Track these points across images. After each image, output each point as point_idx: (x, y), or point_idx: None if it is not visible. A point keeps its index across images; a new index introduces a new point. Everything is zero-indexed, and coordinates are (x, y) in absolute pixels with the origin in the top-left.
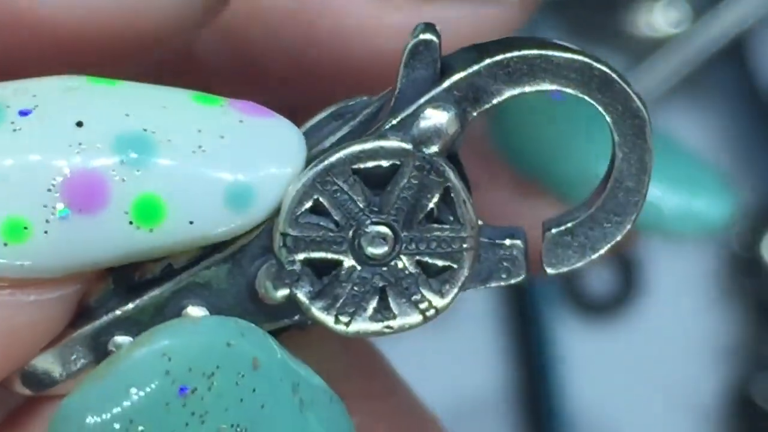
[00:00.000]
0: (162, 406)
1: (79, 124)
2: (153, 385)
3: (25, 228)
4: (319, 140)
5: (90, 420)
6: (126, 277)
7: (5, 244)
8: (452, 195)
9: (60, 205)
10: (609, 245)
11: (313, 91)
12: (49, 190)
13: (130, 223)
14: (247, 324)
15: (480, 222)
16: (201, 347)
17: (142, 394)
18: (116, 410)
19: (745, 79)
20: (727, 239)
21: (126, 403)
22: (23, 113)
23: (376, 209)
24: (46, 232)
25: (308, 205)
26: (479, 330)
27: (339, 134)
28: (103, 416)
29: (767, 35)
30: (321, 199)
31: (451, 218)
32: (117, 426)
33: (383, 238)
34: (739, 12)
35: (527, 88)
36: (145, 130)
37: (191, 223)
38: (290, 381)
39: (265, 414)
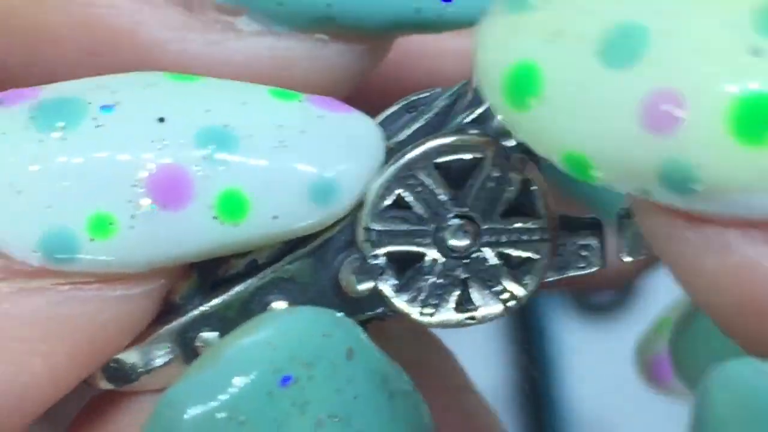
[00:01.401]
0: (265, 395)
1: (161, 120)
2: (257, 374)
3: (111, 223)
4: (394, 132)
5: (194, 409)
6: (211, 272)
7: (91, 240)
8: (532, 188)
9: (145, 201)
10: None
11: None
12: (134, 185)
13: (215, 218)
14: (341, 315)
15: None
16: (301, 337)
17: (246, 383)
18: (220, 399)
19: None
20: None
21: (230, 393)
22: (105, 109)
23: (457, 202)
24: (131, 227)
25: (391, 199)
26: (480, 330)
27: (414, 126)
28: (208, 405)
29: None
30: (403, 194)
31: (531, 210)
32: (220, 415)
33: (465, 230)
34: None
35: None
36: (226, 125)
37: (275, 218)
38: (381, 372)
39: (359, 404)
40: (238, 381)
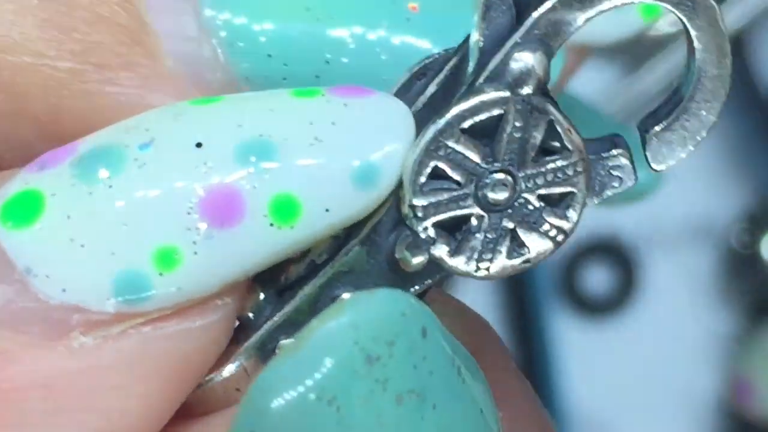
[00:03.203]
0: (351, 373)
1: (199, 145)
2: (343, 354)
3: (176, 254)
4: (410, 101)
5: (284, 393)
6: (273, 282)
7: (161, 275)
8: (557, 126)
9: (203, 225)
10: (707, 130)
11: None
12: (189, 213)
13: (271, 224)
14: (413, 295)
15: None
16: (382, 317)
17: (333, 363)
18: (310, 381)
19: (744, 79)
20: (727, 238)
21: (318, 374)
22: (143, 147)
23: (491, 159)
24: (195, 253)
25: (427, 172)
26: None
27: (428, 92)
28: (299, 388)
29: (767, 35)
30: (438, 164)
31: (560, 148)
32: (312, 396)
33: (504, 183)
34: (739, 12)
35: (603, 6)
36: (261, 135)
37: (327, 210)
38: (450, 349)
39: (434, 380)
40: (327, 362)
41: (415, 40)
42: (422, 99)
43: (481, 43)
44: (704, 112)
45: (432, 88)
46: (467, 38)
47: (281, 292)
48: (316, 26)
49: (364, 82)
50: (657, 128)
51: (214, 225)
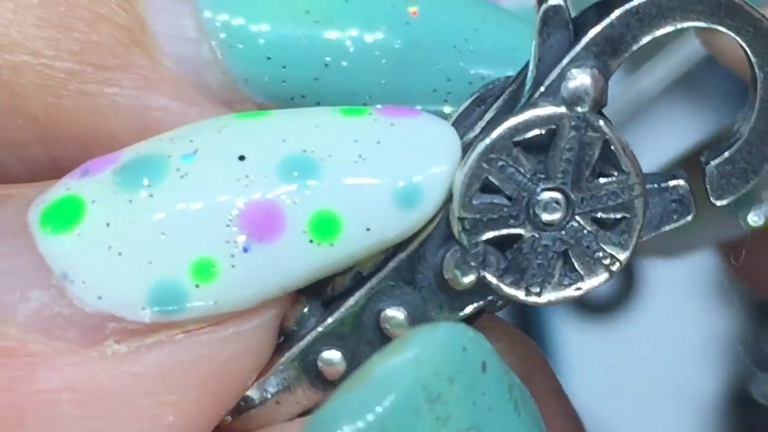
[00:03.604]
0: (412, 411)
1: (242, 158)
2: (405, 391)
3: (213, 266)
4: (469, 127)
5: (345, 429)
6: (319, 293)
7: (197, 286)
8: (612, 147)
9: (241, 238)
10: None
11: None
12: (228, 225)
13: (311, 241)
14: (474, 329)
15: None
16: (445, 353)
17: (395, 400)
18: (372, 416)
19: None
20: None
21: (380, 410)
22: (186, 158)
23: (543, 176)
24: (233, 266)
25: (478, 186)
26: None
27: (487, 117)
28: (359, 424)
29: None
30: (490, 178)
31: (616, 170)
32: None
33: (556, 202)
34: None
35: (661, 30)
36: (304, 151)
37: (368, 230)
38: (507, 383)
39: (492, 415)
40: (389, 399)
41: (414, 43)
42: (480, 124)
43: (538, 59)
44: (765, 145)
45: (490, 114)
46: (526, 65)
47: (327, 304)
48: (316, 29)
49: (363, 86)
50: (718, 161)
51: (252, 239)
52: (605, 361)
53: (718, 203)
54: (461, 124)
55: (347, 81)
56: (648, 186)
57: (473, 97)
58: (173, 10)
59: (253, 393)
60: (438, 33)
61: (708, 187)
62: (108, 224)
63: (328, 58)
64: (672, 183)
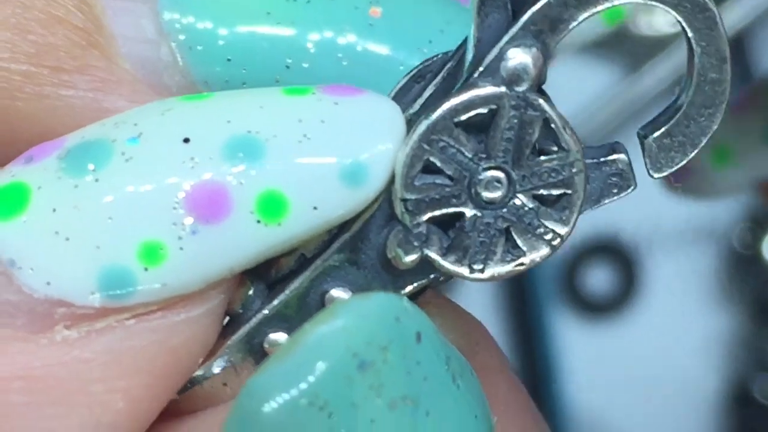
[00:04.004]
0: (344, 379)
1: (186, 140)
2: (336, 360)
3: (161, 249)
4: (408, 105)
5: (276, 398)
6: (264, 276)
7: (146, 269)
8: (552, 125)
9: (188, 220)
10: (707, 137)
11: None
12: (174, 208)
13: (258, 221)
14: (408, 300)
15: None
16: (376, 322)
17: (326, 368)
18: (303, 386)
19: (744, 79)
20: (728, 239)
21: (310, 379)
22: (131, 141)
23: (484, 155)
24: (181, 248)
25: (420, 166)
26: None
27: (426, 94)
28: (289, 393)
29: (767, 35)
30: (431, 159)
31: (556, 147)
32: (304, 401)
33: (498, 181)
34: (739, 12)
35: (599, 7)
36: (249, 131)
37: (315, 208)
38: (444, 354)
39: (428, 386)
40: (319, 367)
41: (377, 45)
42: (419, 101)
43: (477, 40)
44: (703, 119)
45: (429, 90)
46: (465, 41)
47: (271, 286)
48: (277, 30)
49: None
50: (656, 134)
51: (200, 221)
52: (606, 361)
53: (656, 176)
54: (400, 100)
55: (309, 83)
56: (588, 161)
57: (411, 74)
58: (132, 11)
59: (200, 375)
60: (401, 34)
61: (647, 160)
62: (54, 210)
63: (289, 60)
64: (611, 157)
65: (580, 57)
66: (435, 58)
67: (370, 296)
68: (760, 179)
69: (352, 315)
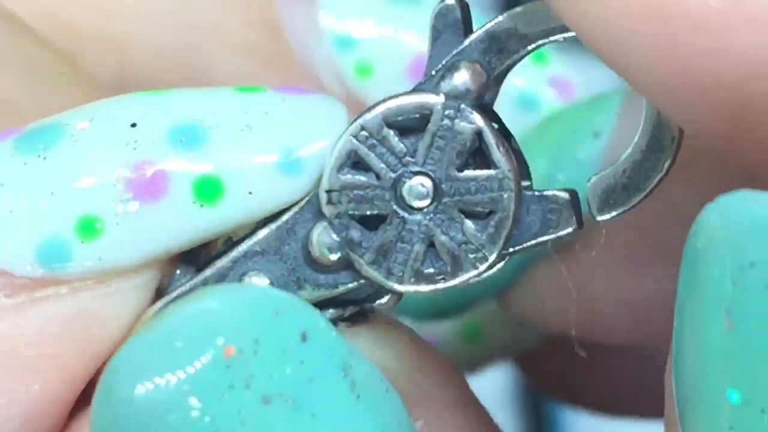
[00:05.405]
0: (208, 364)
1: (133, 125)
2: (197, 341)
3: (98, 224)
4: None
5: (134, 378)
6: (194, 258)
7: (82, 242)
8: (485, 141)
9: (126, 197)
10: (654, 182)
11: None
12: (114, 185)
13: (194, 203)
14: (303, 300)
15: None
16: (249, 312)
17: (185, 348)
18: (161, 366)
19: None
20: None
21: (171, 362)
22: (82, 126)
23: (412, 159)
24: (117, 224)
25: (347, 161)
26: None
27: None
28: (152, 377)
29: None
30: (359, 154)
31: (488, 162)
32: (162, 385)
33: (423, 186)
34: None
35: (549, 37)
36: (194, 120)
37: (250, 194)
38: (341, 360)
39: (315, 388)
40: (177, 345)
41: None
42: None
43: (429, 56)
44: (649, 163)
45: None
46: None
47: (199, 267)
48: None
49: None
50: (600, 174)
51: (137, 198)
52: None
53: (599, 218)
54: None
55: None
56: (528, 192)
57: None
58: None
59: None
60: None
61: (588, 200)
62: (2, 185)
63: None
64: (552, 192)
65: None
66: None
67: (252, 285)
68: None
69: (222, 300)
